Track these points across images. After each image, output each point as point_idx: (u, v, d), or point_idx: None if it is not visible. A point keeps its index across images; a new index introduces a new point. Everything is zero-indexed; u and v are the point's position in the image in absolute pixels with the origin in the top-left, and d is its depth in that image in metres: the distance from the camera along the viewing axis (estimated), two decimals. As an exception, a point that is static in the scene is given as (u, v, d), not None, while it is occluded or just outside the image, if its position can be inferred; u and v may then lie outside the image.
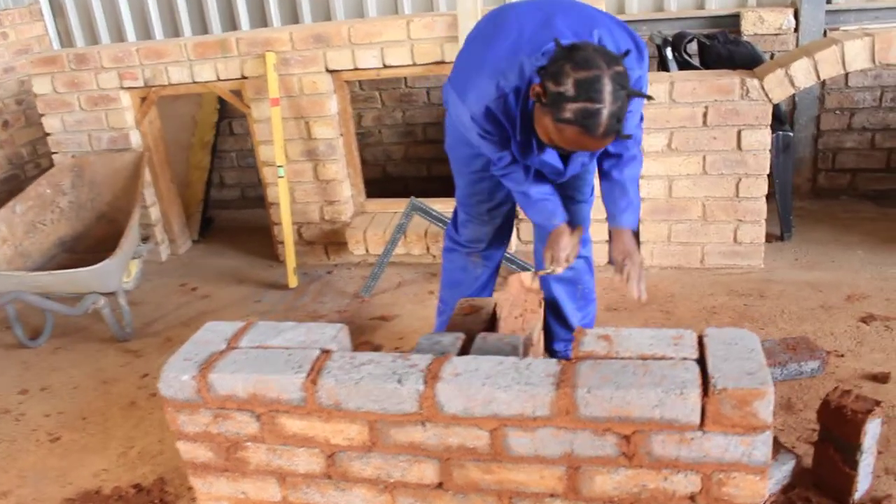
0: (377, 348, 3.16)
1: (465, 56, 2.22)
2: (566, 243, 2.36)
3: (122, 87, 3.90)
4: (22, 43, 4.85)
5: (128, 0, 4.83)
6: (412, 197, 3.48)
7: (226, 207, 5.05)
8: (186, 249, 4.44)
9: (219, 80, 3.74)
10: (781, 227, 3.68)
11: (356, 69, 3.57)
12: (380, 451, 1.87)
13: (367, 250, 3.78)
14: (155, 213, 4.20)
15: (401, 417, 1.79)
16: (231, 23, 4.76)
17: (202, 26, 4.81)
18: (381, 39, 3.47)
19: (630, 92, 1.89)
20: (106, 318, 3.36)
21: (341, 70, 3.60)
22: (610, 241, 2.48)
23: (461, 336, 2.16)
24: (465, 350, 2.15)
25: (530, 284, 2.51)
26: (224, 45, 3.67)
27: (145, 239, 4.14)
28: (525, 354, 2.22)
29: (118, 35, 4.93)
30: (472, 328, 2.39)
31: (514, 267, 3.45)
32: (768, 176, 3.60)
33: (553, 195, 2.35)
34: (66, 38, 5.07)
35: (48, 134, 4.12)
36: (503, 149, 2.21)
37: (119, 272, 3.26)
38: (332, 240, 3.95)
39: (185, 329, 3.53)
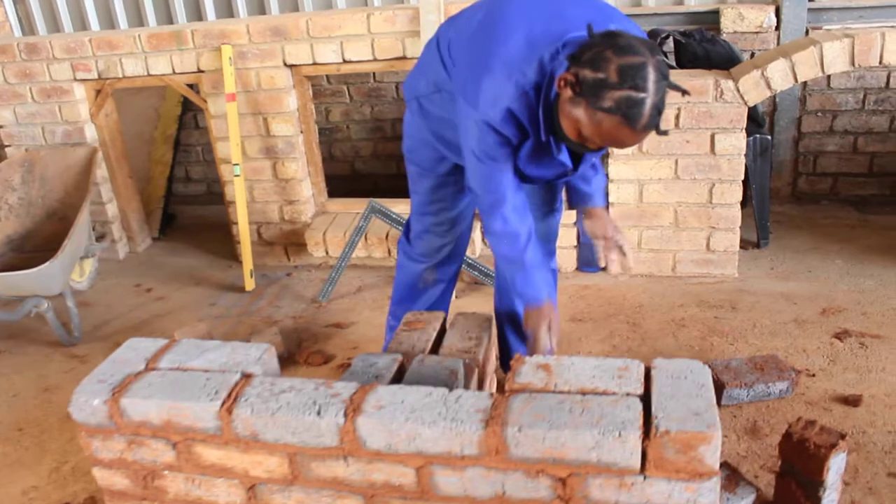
0: (329, 358, 3.01)
1: (464, 56, 2.01)
2: (555, 317, 2.19)
3: (76, 79, 3.73)
4: (-21, 30, 4.67)
5: (90, -13, 4.66)
6: (371, 199, 3.33)
7: (191, 203, 4.89)
8: (146, 247, 4.29)
9: (174, 73, 3.58)
10: (758, 234, 3.54)
11: (315, 64, 3.41)
12: (301, 484, 1.73)
13: (326, 252, 3.63)
14: (112, 209, 4.04)
15: (321, 451, 1.66)
16: (197, 13, 4.59)
17: (167, 16, 4.63)
18: (341, 33, 3.31)
19: (671, 84, 1.73)
20: (50, 322, 3.20)
21: (300, 65, 3.44)
22: (588, 219, 2.29)
23: (398, 358, 2.02)
24: (402, 372, 2.02)
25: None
26: (179, 37, 3.50)
27: (101, 237, 3.98)
28: (469, 377, 2.09)
29: (81, 23, 4.76)
30: (417, 345, 2.25)
31: (476, 273, 3.31)
32: (744, 181, 3.48)
33: (546, 266, 2.20)
34: (27, 26, 4.89)
35: (1, 126, 3.96)
36: (506, 172, 2.02)
37: (62, 275, 3.11)
38: (292, 240, 3.80)
39: (135, 332, 3.38)
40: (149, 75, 3.62)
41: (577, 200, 2.29)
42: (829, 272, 3.32)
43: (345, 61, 3.37)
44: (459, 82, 1.99)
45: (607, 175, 3.25)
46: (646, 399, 1.55)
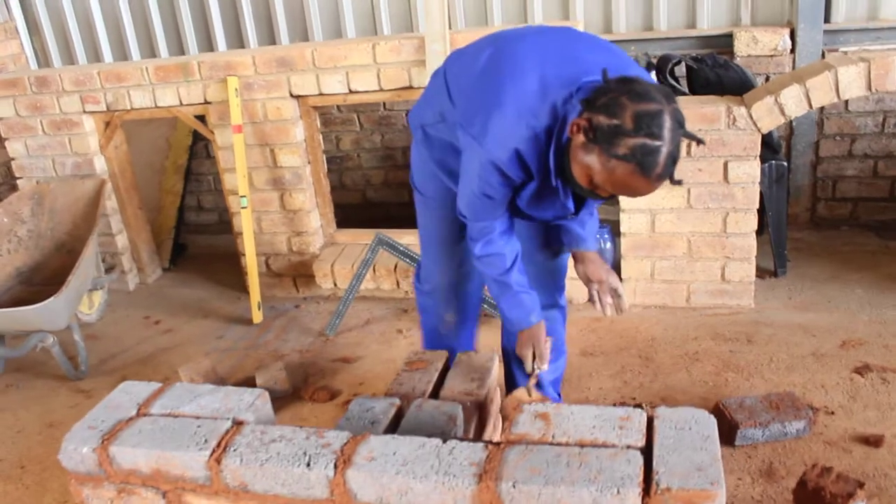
0: (336, 394, 2.96)
1: (472, 90, 1.96)
2: (545, 338, 2.19)
3: (85, 112, 3.74)
4: (-5, 62, 4.71)
5: (103, 20, 4.68)
6: (377, 231, 3.29)
7: (203, 232, 4.88)
8: (156, 278, 4.27)
9: (182, 104, 3.57)
10: (775, 263, 3.45)
11: (321, 94, 3.38)
12: (293, 537, 1.68)
13: (335, 284, 3.59)
14: (122, 240, 4.03)
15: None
16: (208, 43, 4.60)
17: (178, 47, 4.65)
18: (346, 63, 3.28)
19: (686, 133, 1.69)
20: (56, 356, 3.18)
21: (306, 95, 3.42)
22: (580, 263, 2.26)
23: (396, 402, 1.96)
24: (401, 416, 1.96)
25: (531, 397, 2.32)
26: (186, 69, 3.50)
27: (110, 269, 3.97)
28: (469, 421, 2.02)
29: (94, 55, 4.79)
30: (418, 387, 2.19)
31: (485, 307, 3.24)
32: (760, 208, 3.39)
33: (532, 290, 2.16)
34: (42, 58, 4.94)
35: (13, 159, 3.98)
36: (501, 208, 2.00)
37: (67, 309, 3.09)
38: (300, 272, 3.76)
39: (142, 367, 3.35)
40: (156, 107, 3.62)
41: (570, 242, 2.25)
42: (849, 302, 3.22)
43: (351, 91, 3.34)
44: (466, 117, 1.94)
45: (618, 204, 3.19)
46: (648, 451, 1.48)
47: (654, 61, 3.46)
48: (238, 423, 1.76)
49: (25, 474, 2.71)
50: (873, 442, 2.33)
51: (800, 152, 3.86)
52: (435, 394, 2.19)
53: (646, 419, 1.57)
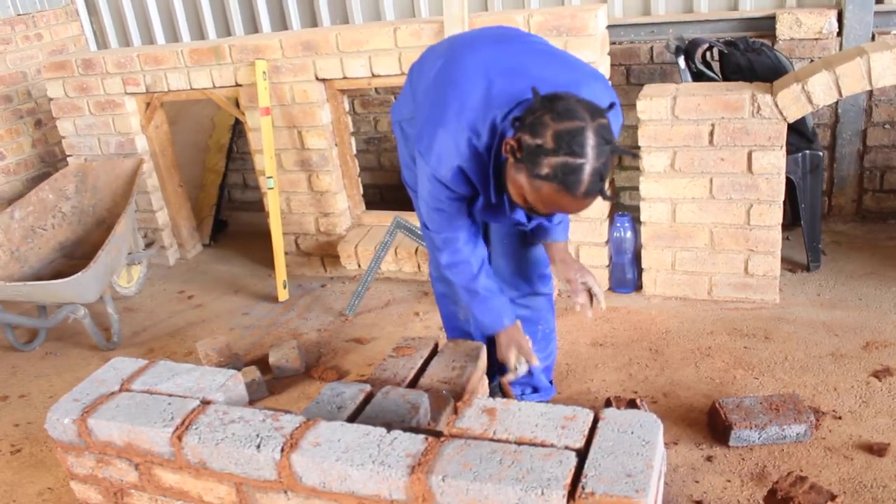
0: (344, 374, 3.01)
1: (422, 103, 1.98)
2: (523, 338, 2.19)
3: (126, 93, 3.87)
4: (56, 44, 4.92)
5: (156, 2, 4.82)
6: (396, 214, 3.31)
7: (247, 210, 5.00)
8: (196, 254, 4.41)
9: (215, 86, 3.66)
10: (807, 257, 3.30)
11: (346, 78, 3.40)
12: (251, 514, 1.73)
13: (359, 265, 3.64)
14: (162, 217, 4.18)
15: (263, 483, 1.65)
16: (253, 26, 4.68)
17: (225, 29, 4.75)
18: (369, 47, 3.29)
19: (615, 148, 1.67)
20: (87, 328, 3.34)
21: (331, 79, 3.45)
22: (553, 263, 2.26)
23: (365, 388, 1.99)
24: (368, 404, 1.98)
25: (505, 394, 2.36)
26: (218, 52, 3.57)
27: (150, 244, 4.12)
28: (441, 410, 2.03)
29: (148, 37, 4.94)
30: (400, 373, 2.21)
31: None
32: (793, 200, 3.26)
33: (500, 293, 2.16)
34: (101, 39, 5.13)
35: (63, 137, 4.16)
36: (459, 219, 2.01)
37: (97, 284, 3.22)
38: (327, 252, 3.82)
39: (170, 340, 3.48)
40: (191, 89, 3.72)
41: (537, 233, 2.22)
42: (881, 301, 3.06)
43: (374, 75, 3.35)
44: (417, 131, 1.95)
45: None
46: (586, 453, 1.46)
47: (683, 46, 3.33)
48: (205, 403, 1.81)
49: (51, 438, 2.86)
50: (877, 450, 2.23)
51: (846, 141, 3.67)
52: (417, 381, 2.20)
53: (591, 420, 1.55)
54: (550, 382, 2.60)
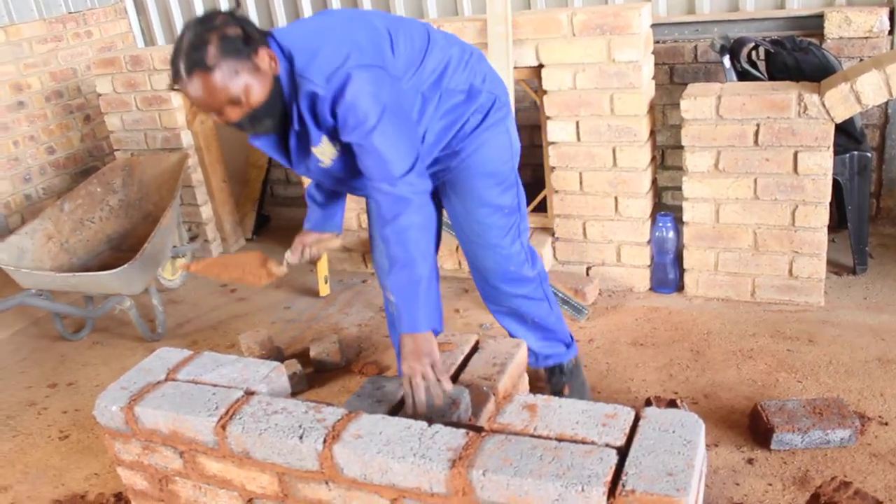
0: (384, 370, 3.04)
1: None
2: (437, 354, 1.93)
3: (173, 89, 3.95)
4: (105, 41, 5.03)
5: (202, 0, 4.91)
6: (436, 211, 3.32)
7: (289, 205, 5.06)
8: (238, 248, 4.48)
9: (259, 83, 3.71)
10: (854, 260, 3.24)
11: (389, 75, 3.43)
12: (292, 503, 1.75)
13: (399, 261, 3.66)
14: (206, 211, 4.25)
15: (305, 474, 1.68)
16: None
17: (270, 26, 4.81)
18: (412, 45, 3.31)
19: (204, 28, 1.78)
20: (132, 318, 3.41)
21: (374, 76, 3.47)
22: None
23: (406, 383, 2.00)
24: (409, 398, 2.00)
25: (276, 270, 2.42)
26: (263, 49, 3.62)
27: (194, 238, 4.19)
28: (482, 406, 2.03)
29: (194, 32, 5.02)
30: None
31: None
32: (840, 202, 3.21)
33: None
34: (148, 37, 5.23)
35: (111, 132, 4.25)
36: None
37: (143, 276, 3.29)
38: (368, 248, 3.83)
39: (212, 332, 3.54)
40: (236, 85, 3.77)
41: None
42: (931, 306, 3.00)
43: (416, 73, 3.37)
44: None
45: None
46: (627, 451, 1.46)
47: (728, 45, 3.29)
48: (249, 394, 1.85)
49: (97, 426, 2.92)
50: (924, 457, 2.19)
51: (895, 142, 3.59)
52: (458, 376, 2.21)
53: (633, 418, 1.55)
54: (567, 345, 2.58)
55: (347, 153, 2.01)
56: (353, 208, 3.82)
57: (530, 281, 2.42)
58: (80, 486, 2.61)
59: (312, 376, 3.04)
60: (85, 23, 4.92)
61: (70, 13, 4.85)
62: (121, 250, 3.82)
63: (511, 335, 2.56)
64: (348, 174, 2.10)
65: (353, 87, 1.85)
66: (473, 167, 2.22)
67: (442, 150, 2.21)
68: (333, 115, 1.90)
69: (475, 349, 2.33)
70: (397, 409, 1.89)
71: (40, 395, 3.19)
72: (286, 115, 1.95)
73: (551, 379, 2.57)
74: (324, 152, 2.01)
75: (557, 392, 2.54)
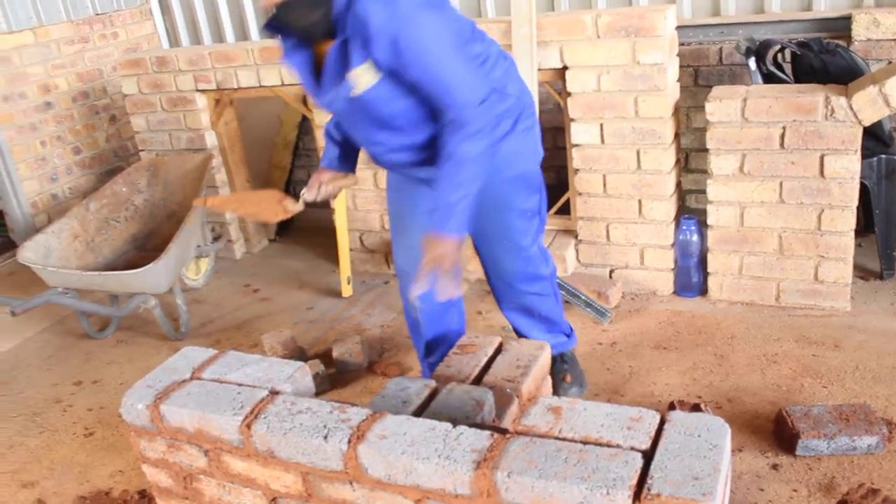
0: (406, 371, 3.04)
1: None
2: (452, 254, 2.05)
3: (198, 90, 3.98)
4: (131, 42, 5.09)
5: (227, 1, 4.94)
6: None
7: (312, 206, 5.05)
8: (261, 248, 4.51)
9: (283, 84, 3.73)
10: (881, 264, 3.21)
11: (412, 77, 3.44)
12: (316, 503, 1.76)
13: (421, 263, 3.66)
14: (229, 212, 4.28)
15: (329, 474, 1.68)
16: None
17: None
18: (435, 47, 3.32)
19: None
20: (157, 317, 3.44)
21: (398, 77, 3.49)
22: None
23: (431, 384, 2.00)
24: (433, 399, 2.00)
25: (292, 207, 2.40)
26: (287, 50, 3.65)
27: (217, 238, 4.22)
28: (505, 408, 2.03)
29: (218, 35, 5.06)
30: (464, 370, 2.22)
31: (572, 298, 3.22)
32: (867, 205, 3.17)
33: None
34: (173, 38, 5.27)
35: (137, 132, 4.30)
36: None
37: (167, 275, 3.32)
38: (391, 249, 3.85)
39: (236, 332, 3.57)
40: (261, 86, 3.80)
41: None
42: (959, 311, 2.96)
43: (440, 74, 3.37)
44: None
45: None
46: (652, 454, 1.45)
47: (753, 47, 3.27)
48: (274, 393, 1.86)
49: (122, 423, 2.94)
50: (954, 465, 2.16)
51: (924, 146, 3.55)
52: (481, 378, 2.21)
53: (658, 422, 1.54)
54: (568, 335, 2.74)
55: (386, 89, 2.01)
56: (375, 209, 3.83)
57: (544, 279, 2.54)
58: (105, 482, 2.64)
59: (335, 377, 3.05)
60: (111, 24, 4.98)
61: (97, 14, 4.91)
62: (145, 249, 3.86)
63: (516, 329, 2.68)
64: (370, 118, 2.11)
65: (423, 16, 1.91)
66: (504, 172, 2.26)
67: None
68: (394, 42, 1.91)
69: (498, 351, 2.34)
70: (421, 410, 1.90)
71: (66, 393, 3.23)
72: (326, 31, 1.98)
73: (553, 367, 2.66)
74: (360, 77, 1.99)
75: (559, 380, 2.67)
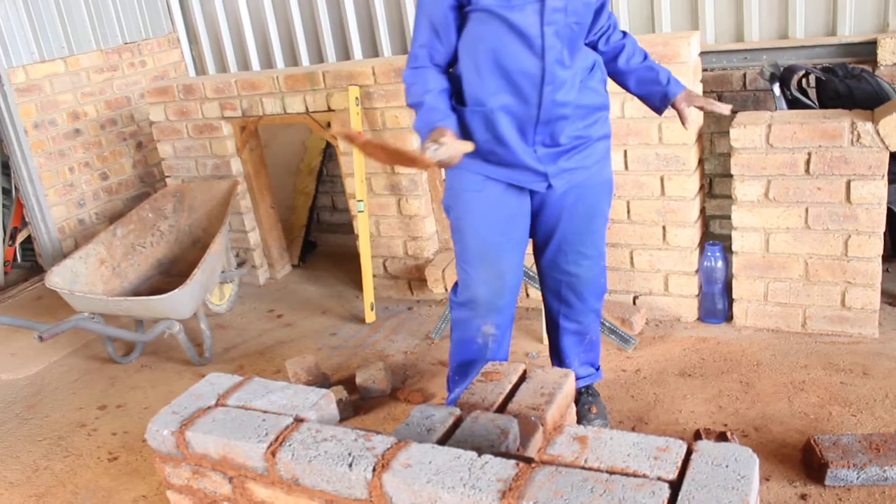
0: (429, 397, 3.04)
1: None
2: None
3: (223, 117, 4.04)
4: (159, 70, 5.18)
5: (252, 31, 5.02)
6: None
7: (335, 232, 5.11)
8: (285, 274, 4.53)
9: (308, 111, 3.78)
10: (910, 291, 3.17)
11: (435, 104, 3.47)
12: (340, 532, 1.76)
13: (445, 289, 3.67)
14: (254, 237, 4.32)
15: (353, 502, 1.68)
16: (345, 53, 4.82)
17: (318, 56, 4.90)
18: (458, 74, 3.35)
19: None
20: (181, 343, 3.47)
21: (421, 104, 3.52)
22: (678, 112, 2.41)
23: (455, 412, 2.00)
24: (457, 427, 1.99)
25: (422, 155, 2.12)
26: (312, 78, 3.70)
27: (241, 264, 4.26)
28: (530, 436, 2.02)
29: (244, 63, 5.14)
30: (489, 398, 2.21)
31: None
32: (894, 231, 3.14)
33: (449, 113, 2.22)
34: (199, 66, 5.36)
35: (163, 159, 4.36)
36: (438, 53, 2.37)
37: (192, 301, 3.35)
38: (414, 275, 3.87)
39: (259, 358, 3.58)
40: (286, 113, 3.85)
41: (655, 101, 2.46)
42: None
43: (463, 101, 3.40)
44: None
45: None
46: (679, 485, 1.44)
47: (778, 73, 3.26)
48: (299, 420, 1.86)
49: (145, 447, 2.98)
50: None
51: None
52: (505, 406, 2.20)
53: (685, 452, 1.52)
54: (597, 368, 2.76)
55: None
56: (399, 236, 3.85)
57: (604, 294, 2.64)
58: (128, 507, 2.65)
59: (358, 403, 3.05)
60: (139, 52, 5.08)
61: (126, 43, 5.01)
62: (170, 275, 3.90)
63: (560, 354, 2.68)
64: (571, 36, 2.22)
65: None
66: (599, 176, 2.39)
67: (577, 137, 2.31)
68: None
69: (522, 378, 2.33)
70: (445, 438, 1.89)
71: (90, 417, 3.26)
72: None
73: (579, 398, 2.70)
74: None
75: (585, 411, 2.68)
